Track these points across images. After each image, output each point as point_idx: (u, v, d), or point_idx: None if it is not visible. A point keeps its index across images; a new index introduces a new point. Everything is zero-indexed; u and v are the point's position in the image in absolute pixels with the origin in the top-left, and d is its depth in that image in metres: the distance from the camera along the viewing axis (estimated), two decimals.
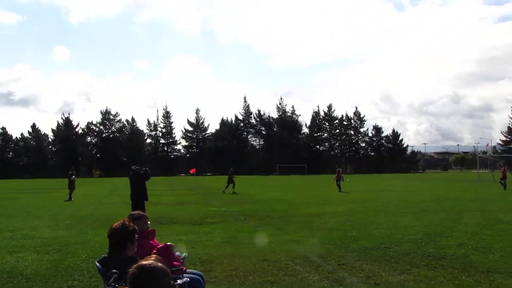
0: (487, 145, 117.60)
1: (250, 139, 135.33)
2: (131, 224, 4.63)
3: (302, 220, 15.81)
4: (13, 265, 9.16)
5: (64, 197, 29.99)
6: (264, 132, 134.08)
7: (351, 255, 9.64)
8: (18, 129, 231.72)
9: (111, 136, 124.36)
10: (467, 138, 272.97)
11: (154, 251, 5.40)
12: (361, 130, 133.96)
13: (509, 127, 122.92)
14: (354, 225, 14.41)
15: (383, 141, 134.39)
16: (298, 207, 21.13)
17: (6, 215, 19.37)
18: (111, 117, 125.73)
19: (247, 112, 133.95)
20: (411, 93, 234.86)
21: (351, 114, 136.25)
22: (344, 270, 8.39)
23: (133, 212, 5.86)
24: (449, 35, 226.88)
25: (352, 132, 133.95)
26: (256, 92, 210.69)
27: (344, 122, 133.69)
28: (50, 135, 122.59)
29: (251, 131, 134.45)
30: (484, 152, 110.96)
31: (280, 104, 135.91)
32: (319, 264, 8.86)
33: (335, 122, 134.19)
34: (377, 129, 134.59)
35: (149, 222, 5.86)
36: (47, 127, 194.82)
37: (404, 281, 7.59)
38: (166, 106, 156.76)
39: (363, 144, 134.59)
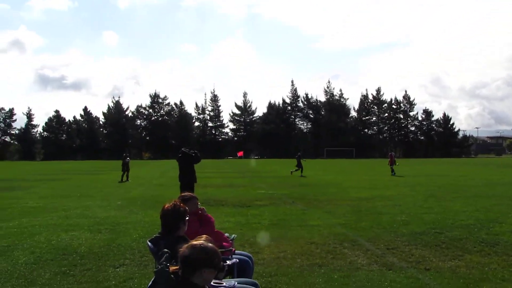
0: None
1: (297, 123, 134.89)
2: (182, 205, 4.70)
3: (350, 204, 15.67)
4: (68, 243, 9.49)
5: (116, 179, 30.81)
6: (311, 116, 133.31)
7: (401, 240, 9.49)
8: (70, 112, 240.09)
9: (160, 119, 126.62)
10: None
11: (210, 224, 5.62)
12: (411, 114, 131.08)
13: None
14: (404, 209, 14.16)
15: (434, 125, 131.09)
16: (347, 190, 20.96)
17: (61, 195, 20.08)
18: (160, 100, 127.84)
19: (295, 95, 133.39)
20: (462, 76, 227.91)
21: (400, 98, 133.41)
22: (394, 254, 8.26)
23: (183, 194, 5.95)
24: (502, 15, 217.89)
25: (402, 116, 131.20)
26: (303, 75, 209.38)
27: (393, 106, 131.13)
28: (101, 118, 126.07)
29: (298, 114, 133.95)
30: None
31: (327, 87, 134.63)
32: (368, 248, 8.77)
33: (383, 106, 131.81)
34: (427, 113, 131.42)
35: (199, 204, 5.94)
36: (98, 110, 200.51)
37: (456, 267, 7.41)
38: (213, 90, 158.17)
39: (413, 128, 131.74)
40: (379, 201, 16.40)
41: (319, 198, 17.73)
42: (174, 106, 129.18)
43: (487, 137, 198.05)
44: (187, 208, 4.74)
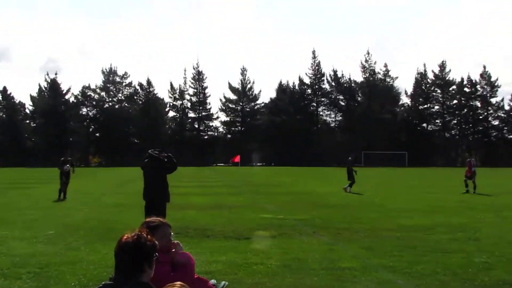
0: None
1: (321, 113, 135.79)
2: (149, 237, 4.58)
3: (400, 236, 15.55)
4: None
5: (48, 196, 30.66)
6: (342, 103, 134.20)
7: None
8: None
9: (116, 106, 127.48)
10: None
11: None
12: (493, 100, 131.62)
13: None
14: (483, 245, 14.00)
15: None
16: (394, 215, 20.89)
17: None
18: (117, 79, 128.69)
19: (318, 73, 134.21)
20: None
21: (476, 77, 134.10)
22: None
23: (149, 219, 5.87)
24: None
25: (479, 104, 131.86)
26: (330, 43, 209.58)
27: (466, 89, 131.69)
28: (28, 105, 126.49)
29: (323, 101, 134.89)
30: None
31: (366, 61, 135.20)
32: None
33: (451, 89, 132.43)
34: None
35: (172, 234, 5.82)
36: (24, 94, 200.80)
37: None
38: (197, 64, 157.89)
39: (496, 122, 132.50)
40: (443, 233, 16.27)
41: (352, 226, 17.66)
42: (138, 87, 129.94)
43: None
44: (156, 242, 4.64)
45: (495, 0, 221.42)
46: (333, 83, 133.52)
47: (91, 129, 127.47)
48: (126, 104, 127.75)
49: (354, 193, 33.10)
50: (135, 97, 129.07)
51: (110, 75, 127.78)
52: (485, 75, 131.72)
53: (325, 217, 20.27)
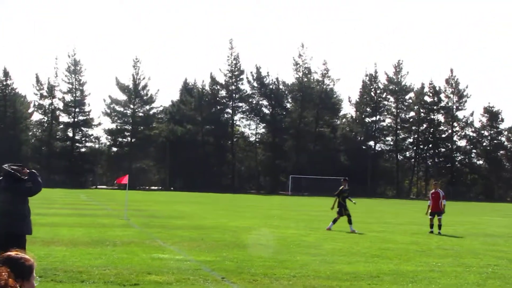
0: None
1: (239, 123, 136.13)
2: (10, 280, 4.51)
3: (335, 286, 15.86)
4: None
5: None
6: (267, 111, 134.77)
7: None
8: None
9: None
10: None
11: None
12: (460, 114, 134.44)
13: None
14: None
15: (502, 139, 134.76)
16: (329, 259, 21.24)
17: None
18: None
19: (235, 70, 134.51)
20: None
21: (439, 82, 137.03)
22: None
23: (10, 254, 5.70)
24: None
25: (442, 118, 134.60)
26: (252, 33, 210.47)
27: (427, 97, 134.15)
28: None
29: (241, 106, 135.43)
30: None
31: (300, 56, 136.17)
32: None
33: (407, 98, 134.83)
34: (492, 114, 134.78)
35: (36, 278, 5.70)
36: None
37: None
38: (74, 51, 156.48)
39: (463, 143, 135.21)
40: (391, 283, 16.69)
41: (275, 272, 17.79)
42: None
43: None
44: (12, 283, 4.56)
45: None
46: (255, 84, 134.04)
47: None
48: None
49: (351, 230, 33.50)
50: None
51: None
52: (451, 81, 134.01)
53: (238, 259, 20.35)
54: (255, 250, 23.31)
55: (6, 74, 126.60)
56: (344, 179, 39.03)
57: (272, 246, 24.93)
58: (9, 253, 5.55)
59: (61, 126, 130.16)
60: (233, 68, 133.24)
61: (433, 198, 36.05)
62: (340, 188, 37.03)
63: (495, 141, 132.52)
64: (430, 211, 35.91)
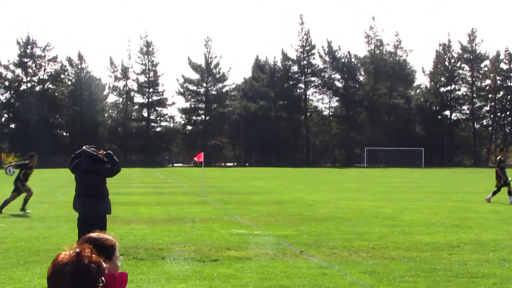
0: None
1: (311, 98, 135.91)
2: (94, 256, 4.47)
3: (415, 257, 15.66)
4: None
5: None
6: (339, 84, 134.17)
7: None
8: None
9: (37, 88, 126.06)
10: None
11: None
12: None
13: None
14: None
15: None
16: (408, 230, 21.07)
17: None
18: (37, 52, 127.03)
19: (307, 45, 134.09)
20: None
21: None
22: None
23: (91, 235, 5.66)
24: None
25: None
26: (323, 7, 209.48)
27: (502, 65, 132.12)
28: None
29: (313, 81, 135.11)
30: None
31: (371, 29, 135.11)
32: None
33: (483, 66, 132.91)
34: None
35: (119, 257, 5.65)
36: None
37: None
38: (146, 33, 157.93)
39: None
40: (472, 252, 16.40)
41: (353, 245, 17.72)
42: (66, 63, 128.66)
43: None
44: (102, 263, 4.53)
45: None
46: (326, 58, 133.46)
47: (3, 119, 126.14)
48: (50, 86, 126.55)
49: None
50: (62, 76, 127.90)
51: (27, 46, 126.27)
52: None
53: (316, 233, 20.33)
54: (333, 223, 23.24)
55: (80, 58, 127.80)
56: (501, 149, 38.09)
57: (350, 219, 24.82)
58: (90, 234, 5.55)
59: (136, 107, 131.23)
60: (304, 44, 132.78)
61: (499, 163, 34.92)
62: (498, 158, 35.67)
63: None
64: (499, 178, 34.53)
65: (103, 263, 4.36)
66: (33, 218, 25.66)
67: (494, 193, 33.56)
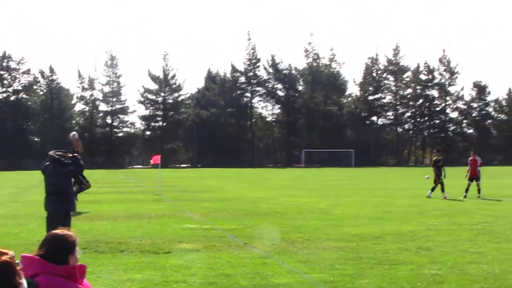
0: None
1: (256, 105, 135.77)
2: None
3: (343, 247, 15.83)
4: None
5: None
6: (281, 93, 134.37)
7: None
8: None
9: (12, 98, 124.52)
10: None
11: None
12: (451, 89, 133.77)
13: None
14: (435, 255, 14.43)
15: (490, 109, 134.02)
16: (339, 223, 21.25)
17: None
18: (12, 65, 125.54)
19: (253, 58, 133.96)
20: None
21: (434, 62, 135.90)
22: None
23: (56, 232, 5.72)
24: None
25: (436, 94, 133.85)
26: (268, 26, 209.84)
27: (422, 76, 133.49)
28: None
29: (258, 91, 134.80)
30: None
31: (309, 45, 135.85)
32: None
33: (405, 76, 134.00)
34: (480, 88, 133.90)
35: (78, 251, 5.70)
36: None
37: None
38: (110, 49, 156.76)
39: (455, 115, 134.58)
40: (393, 242, 16.62)
41: (290, 237, 17.83)
42: (38, 75, 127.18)
43: None
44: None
45: None
46: (270, 70, 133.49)
47: None
48: (23, 96, 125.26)
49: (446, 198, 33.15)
50: (35, 87, 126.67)
51: (3, 60, 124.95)
52: (444, 60, 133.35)
53: (258, 227, 20.46)
54: (273, 218, 23.34)
55: (51, 70, 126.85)
56: (437, 150, 38.39)
57: (288, 214, 24.95)
58: (55, 231, 5.62)
59: (101, 114, 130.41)
60: (251, 57, 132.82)
61: (471, 165, 35.31)
62: (434, 158, 35.99)
63: (483, 112, 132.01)
64: (469, 176, 35.05)
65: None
66: (6, 215, 25.45)
67: (433, 189, 33.96)
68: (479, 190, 34.21)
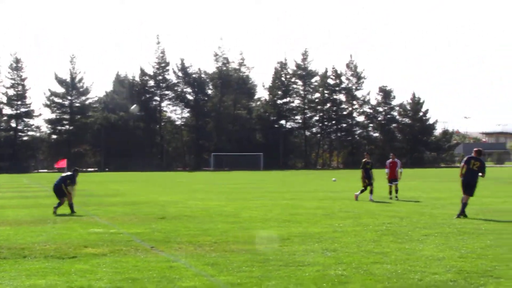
0: None
1: (166, 108, 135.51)
2: None
3: (251, 249, 15.87)
4: None
5: None
6: (191, 97, 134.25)
7: None
8: None
9: None
10: None
11: None
12: (358, 93, 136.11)
13: None
14: (340, 256, 14.59)
15: (395, 113, 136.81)
16: (247, 226, 21.33)
17: None
18: None
19: (162, 62, 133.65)
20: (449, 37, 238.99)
21: (341, 67, 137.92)
22: None
23: None
24: None
25: (343, 98, 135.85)
26: (178, 30, 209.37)
27: (329, 80, 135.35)
28: None
29: (167, 94, 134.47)
30: None
31: (219, 49, 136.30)
32: None
33: (313, 81, 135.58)
34: (386, 93, 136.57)
35: None
36: None
37: None
38: (15, 52, 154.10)
39: (361, 119, 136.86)
40: (300, 244, 16.73)
41: (198, 240, 17.79)
42: None
43: (482, 133, 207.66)
44: None
45: None
46: (180, 74, 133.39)
47: None
48: None
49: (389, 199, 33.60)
50: None
51: None
52: (351, 65, 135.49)
53: (166, 230, 20.31)
54: (181, 221, 23.29)
55: None
56: (366, 153, 38.56)
57: (197, 217, 24.92)
58: None
59: (5, 118, 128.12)
60: (160, 61, 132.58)
61: (391, 167, 36.19)
62: (363, 161, 35.82)
63: (388, 116, 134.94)
64: (388, 178, 35.82)
65: None
66: None
67: (362, 191, 34.05)
68: (396, 191, 34.93)
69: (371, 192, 33.55)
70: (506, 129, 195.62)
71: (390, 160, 36.98)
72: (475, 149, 25.13)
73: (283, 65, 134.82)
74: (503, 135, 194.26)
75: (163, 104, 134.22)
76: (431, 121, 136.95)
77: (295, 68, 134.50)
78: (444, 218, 23.41)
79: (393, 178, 35.67)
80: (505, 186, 45.48)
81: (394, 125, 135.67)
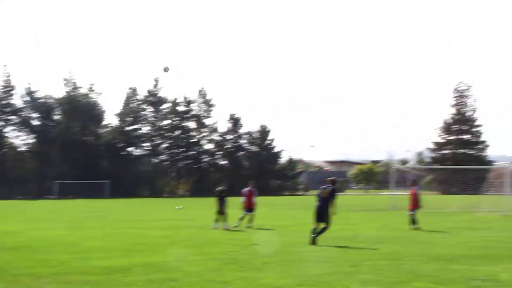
0: (407, 150, 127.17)
1: (8, 134, 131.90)
2: None
3: (91, 280, 15.73)
4: None
5: None
6: (37, 123, 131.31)
7: None
8: None
9: None
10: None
11: None
12: (207, 122, 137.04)
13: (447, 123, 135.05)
14: (181, 286, 14.79)
15: (243, 141, 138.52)
16: (88, 256, 21.03)
17: None
18: None
19: (8, 86, 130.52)
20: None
21: (192, 95, 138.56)
22: None
23: None
24: None
25: (194, 125, 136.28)
26: (25, 51, 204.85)
27: (179, 107, 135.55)
28: None
29: (12, 120, 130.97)
30: (404, 162, 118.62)
31: (69, 75, 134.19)
32: None
33: (163, 108, 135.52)
34: (235, 121, 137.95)
35: None
36: None
37: None
38: None
39: (210, 146, 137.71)
40: (141, 274, 16.71)
41: (35, 271, 17.44)
42: None
43: (325, 161, 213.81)
44: None
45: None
46: (26, 98, 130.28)
47: None
48: None
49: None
50: None
51: None
52: (202, 93, 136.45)
53: (1, 261, 19.78)
54: (19, 252, 22.69)
55: None
56: (222, 181, 38.29)
57: (36, 247, 24.35)
58: None
59: None
60: (5, 84, 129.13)
61: (248, 195, 35.53)
62: (219, 189, 34.96)
63: (236, 144, 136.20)
64: (245, 207, 35.22)
65: None
66: None
67: (217, 220, 33.47)
68: (252, 220, 34.65)
69: (225, 220, 33.30)
70: (348, 157, 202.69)
71: (249, 188, 36.32)
72: (328, 178, 25.74)
73: (134, 91, 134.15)
74: (345, 163, 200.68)
75: (6, 130, 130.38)
76: (276, 150, 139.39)
77: (147, 94, 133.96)
78: (287, 246, 23.82)
79: (249, 207, 35.29)
80: (346, 214, 46.64)
81: (241, 152, 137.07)
